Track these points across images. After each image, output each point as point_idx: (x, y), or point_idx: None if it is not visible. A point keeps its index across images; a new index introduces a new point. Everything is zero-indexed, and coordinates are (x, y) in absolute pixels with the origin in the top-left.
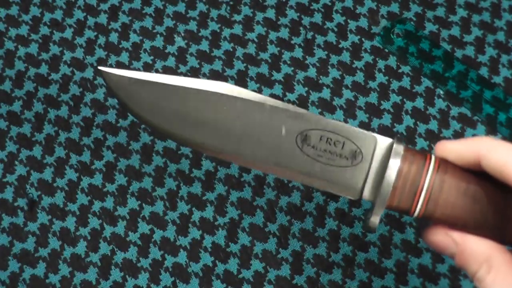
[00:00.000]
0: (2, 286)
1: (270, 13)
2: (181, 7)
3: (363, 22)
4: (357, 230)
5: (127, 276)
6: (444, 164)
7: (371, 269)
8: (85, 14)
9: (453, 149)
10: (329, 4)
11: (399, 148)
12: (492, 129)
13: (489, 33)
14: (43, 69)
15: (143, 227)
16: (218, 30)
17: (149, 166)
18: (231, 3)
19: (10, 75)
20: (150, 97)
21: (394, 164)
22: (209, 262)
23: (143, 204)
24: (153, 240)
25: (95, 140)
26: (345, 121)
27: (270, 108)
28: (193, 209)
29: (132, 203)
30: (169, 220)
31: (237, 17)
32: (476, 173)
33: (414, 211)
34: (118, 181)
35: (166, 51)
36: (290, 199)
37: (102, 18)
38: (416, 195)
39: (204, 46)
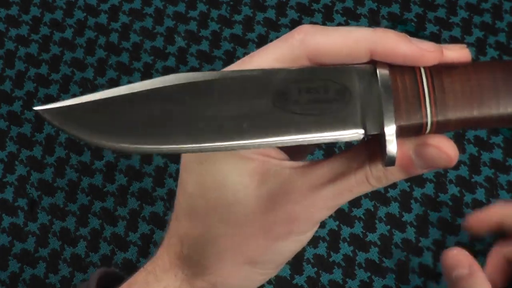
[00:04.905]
0: (2, 286)
1: (271, 13)
2: (181, 7)
3: (364, 23)
4: (358, 230)
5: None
6: (435, 66)
7: (371, 269)
8: (85, 14)
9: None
10: (330, 4)
11: (383, 67)
12: (493, 130)
13: (490, 34)
14: (43, 69)
15: (143, 227)
16: (218, 30)
17: (149, 166)
18: (231, 3)
19: (10, 75)
20: (109, 118)
21: (386, 84)
22: None
23: (143, 204)
24: (153, 240)
25: None
26: None
27: (230, 80)
28: None
29: (132, 203)
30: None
31: (237, 17)
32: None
33: (427, 122)
34: (118, 181)
35: (166, 51)
36: None
37: (102, 18)
38: (421, 103)
39: (205, 46)
